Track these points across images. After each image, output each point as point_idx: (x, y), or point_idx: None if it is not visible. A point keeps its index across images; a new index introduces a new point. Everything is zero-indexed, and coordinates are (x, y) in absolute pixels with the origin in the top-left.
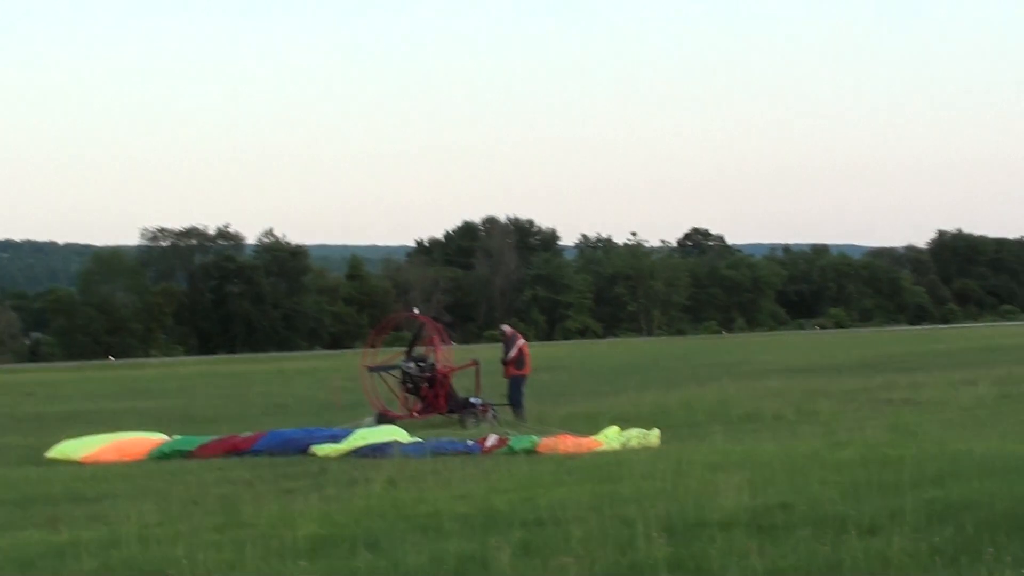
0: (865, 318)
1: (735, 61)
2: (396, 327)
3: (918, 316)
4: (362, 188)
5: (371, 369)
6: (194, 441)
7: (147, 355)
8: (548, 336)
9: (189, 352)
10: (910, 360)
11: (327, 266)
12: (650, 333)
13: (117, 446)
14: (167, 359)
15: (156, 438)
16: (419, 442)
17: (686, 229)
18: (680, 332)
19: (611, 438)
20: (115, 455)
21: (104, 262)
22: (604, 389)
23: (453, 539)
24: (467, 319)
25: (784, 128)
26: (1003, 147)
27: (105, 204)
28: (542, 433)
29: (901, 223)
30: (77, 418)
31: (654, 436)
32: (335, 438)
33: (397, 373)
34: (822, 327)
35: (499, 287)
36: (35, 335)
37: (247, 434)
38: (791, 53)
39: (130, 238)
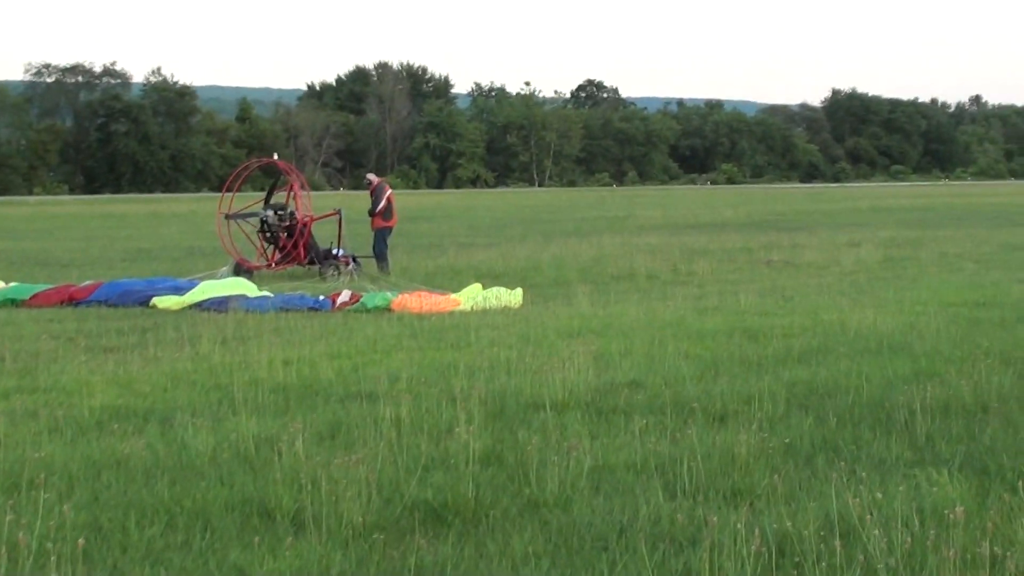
0: (757, 175)
1: None
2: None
3: (810, 174)
4: (254, 29)
5: (228, 216)
6: (29, 289)
7: (31, 193)
8: (439, 184)
9: (74, 192)
10: (797, 219)
11: (217, 108)
12: (542, 184)
13: None
14: (46, 198)
15: None
16: (266, 296)
17: (580, 80)
18: (572, 184)
19: (471, 297)
20: None
21: None
22: (480, 241)
23: (256, 416)
24: (358, 165)
25: None
26: (900, 7)
27: None
28: (402, 289)
29: (796, 81)
30: None
31: (516, 296)
32: (178, 290)
33: (255, 222)
34: (713, 183)
35: (391, 133)
36: None
37: (87, 283)
38: None
39: (16, 73)
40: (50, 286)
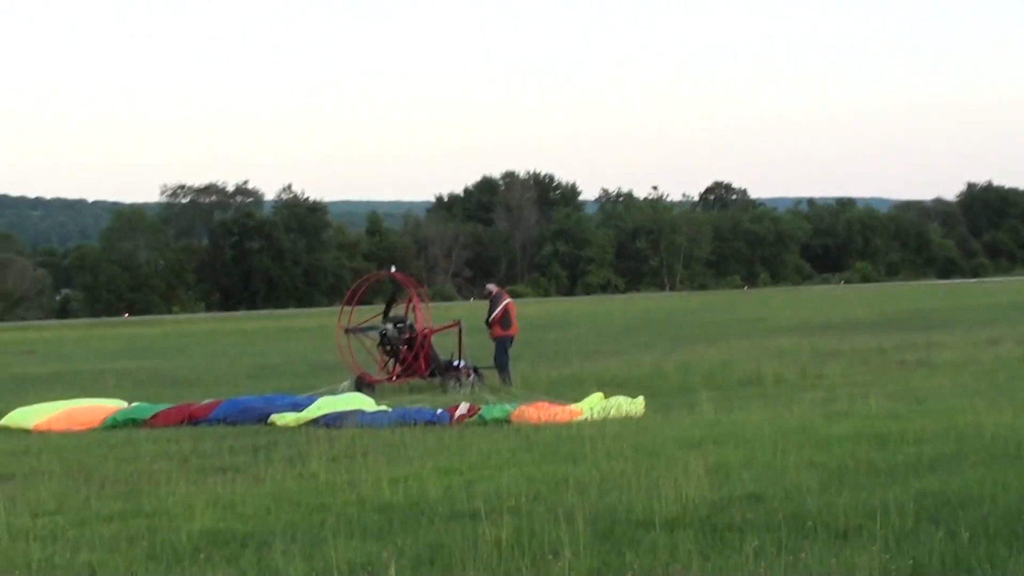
0: (892, 272)
1: (756, 9)
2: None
3: (947, 270)
4: (381, 144)
5: (347, 331)
6: (149, 409)
7: (169, 312)
8: (570, 292)
9: (210, 309)
10: (933, 316)
11: (347, 222)
12: (672, 288)
13: (70, 414)
14: (182, 316)
15: (112, 405)
16: (383, 411)
17: (708, 183)
18: (703, 287)
19: (591, 407)
20: (67, 424)
21: (125, 219)
22: (606, 349)
23: (355, 538)
24: (487, 274)
25: (809, 78)
26: None
27: (131, 161)
28: (523, 399)
29: (929, 176)
30: (58, 380)
31: (638, 404)
32: (296, 406)
33: (375, 335)
34: (847, 281)
35: (519, 242)
36: (65, 291)
37: (207, 401)
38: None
39: (152, 195)
40: (170, 405)
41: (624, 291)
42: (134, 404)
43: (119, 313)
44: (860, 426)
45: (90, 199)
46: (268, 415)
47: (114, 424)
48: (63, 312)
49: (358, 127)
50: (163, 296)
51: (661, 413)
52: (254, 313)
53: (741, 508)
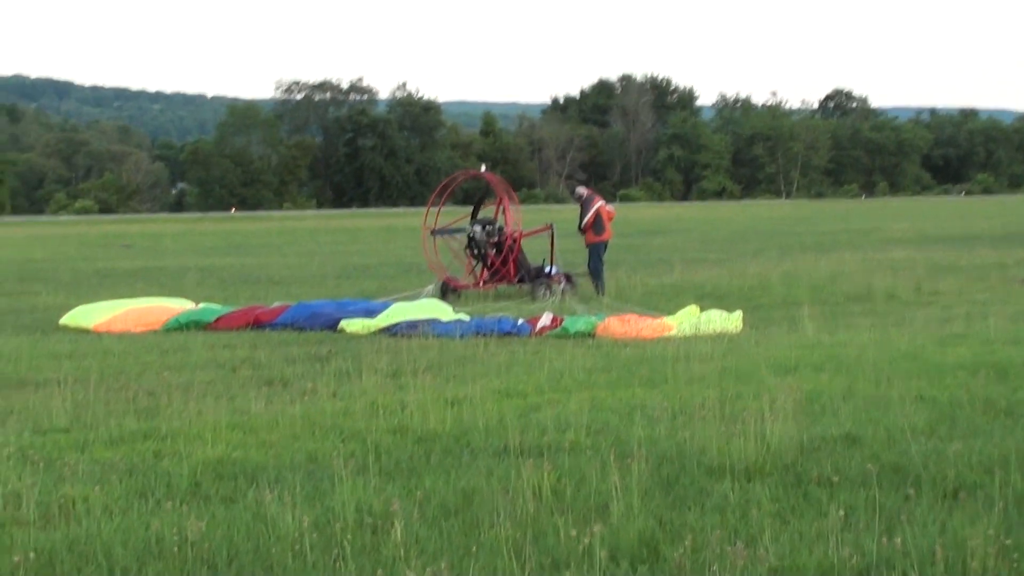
0: (1015, 184)
1: None
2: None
3: None
4: (498, 44)
5: (433, 232)
6: (214, 311)
7: (280, 208)
8: (684, 197)
9: (322, 206)
10: None
11: (464, 123)
12: (788, 196)
13: (132, 314)
14: (290, 212)
15: (177, 306)
16: (460, 320)
17: (828, 90)
18: (819, 195)
19: (685, 321)
20: (127, 324)
21: (239, 114)
22: (711, 257)
23: (379, 477)
24: (602, 178)
25: None
26: None
27: (249, 57)
28: (614, 310)
29: None
30: (140, 276)
31: (735, 320)
32: (369, 312)
33: (462, 238)
34: (968, 193)
35: (634, 146)
36: (180, 186)
37: (276, 304)
38: None
39: (267, 92)
40: (237, 307)
41: (739, 198)
42: (201, 305)
43: (229, 208)
44: (977, 352)
45: (209, 94)
46: (338, 321)
47: (177, 326)
48: (177, 206)
49: (475, 27)
50: (275, 192)
51: (759, 330)
52: (362, 211)
53: (833, 454)
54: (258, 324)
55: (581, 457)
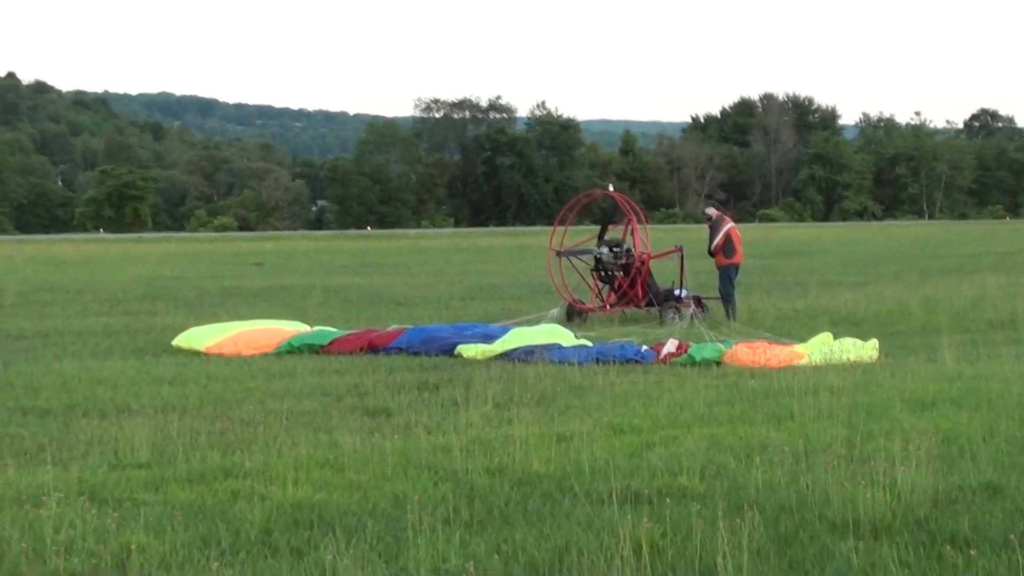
0: None
1: None
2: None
3: None
4: (638, 63)
5: (559, 253)
6: (329, 335)
7: (418, 226)
8: (825, 217)
9: (460, 224)
10: None
11: (604, 141)
12: (931, 216)
13: (244, 336)
14: (425, 231)
15: (291, 328)
16: (583, 345)
17: (973, 109)
18: (963, 216)
19: (817, 349)
20: (238, 347)
21: (378, 132)
22: (849, 280)
23: (463, 531)
24: (741, 197)
25: None
26: None
27: (391, 74)
28: (743, 336)
29: None
30: (265, 295)
31: (869, 348)
32: (487, 337)
33: (589, 259)
34: None
35: (775, 165)
36: (321, 203)
37: (392, 328)
38: None
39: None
40: (353, 331)
41: (881, 218)
42: (315, 328)
43: (366, 226)
44: None
45: (351, 112)
46: (455, 345)
47: (289, 349)
48: (317, 223)
49: (615, 45)
50: (413, 210)
51: (895, 359)
52: (499, 230)
53: (971, 507)
54: (372, 348)
55: (690, 507)
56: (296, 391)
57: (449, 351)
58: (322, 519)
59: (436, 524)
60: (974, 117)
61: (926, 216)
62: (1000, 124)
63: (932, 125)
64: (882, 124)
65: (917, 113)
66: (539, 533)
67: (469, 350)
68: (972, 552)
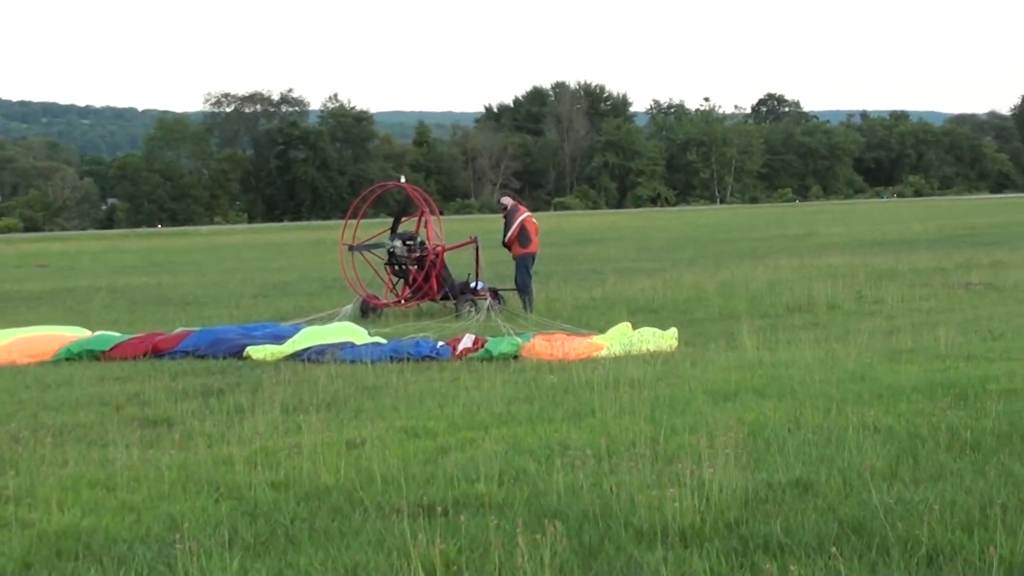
0: (945, 186)
1: None
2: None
3: (1001, 184)
4: (430, 54)
5: (351, 248)
6: (110, 339)
7: (212, 222)
8: (619, 204)
9: (254, 220)
10: (993, 233)
11: (398, 133)
12: (723, 201)
13: (19, 344)
14: (218, 227)
15: (71, 334)
16: (376, 343)
17: (760, 95)
18: (754, 200)
19: (616, 340)
20: (11, 356)
21: (168, 127)
22: (646, 266)
23: (245, 554)
24: (536, 186)
25: None
26: None
27: (180, 71)
28: (541, 328)
29: (983, 89)
30: (46, 298)
31: (670, 337)
32: (277, 338)
33: (382, 253)
34: (900, 195)
35: (569, 153)
36: (111, 201)
37: (180, 329)
38: None
39: (196, 104)
40: (134, 335)
41: (674, 204)
42: (96, 333)
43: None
44: (930, 370)
45: (140, 108)
46: (243, 347)
47: (68, 356)
48: (108, 222)
49: (407, 36)
50: (206, 207)
51: (695, 347)
52: (290, 225)
53: (781, 507)
54: (157, 353)
55: (488, 519)
56: (73, 402)
57: (238, 353)
58: (88, 548)
59: (213, 549)
60: (761, 102)
61: (718, 201)
62: (787, 108)
63: (721, 111)
64: (673, 110)
65: (706, 99)
66: (326, 555)
67: (259, 352)
68: (787, 560)
